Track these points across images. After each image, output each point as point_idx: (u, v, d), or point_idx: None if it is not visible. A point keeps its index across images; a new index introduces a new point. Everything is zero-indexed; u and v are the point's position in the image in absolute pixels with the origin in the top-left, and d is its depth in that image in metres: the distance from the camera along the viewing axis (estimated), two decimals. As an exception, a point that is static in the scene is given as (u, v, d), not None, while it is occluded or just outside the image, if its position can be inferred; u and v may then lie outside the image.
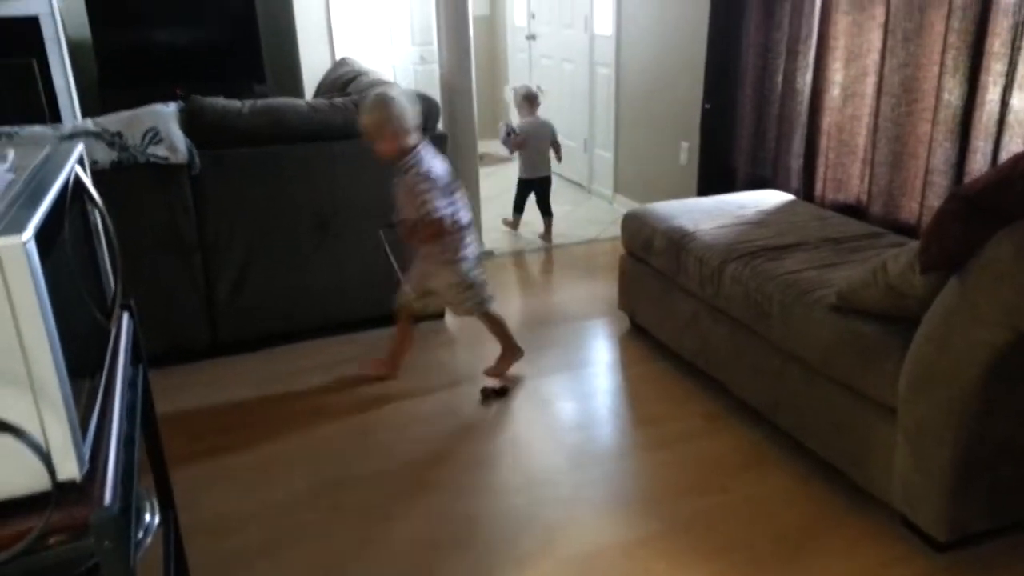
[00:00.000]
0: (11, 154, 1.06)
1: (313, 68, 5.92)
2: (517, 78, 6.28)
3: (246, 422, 2.62)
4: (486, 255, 4.14)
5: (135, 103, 5.46)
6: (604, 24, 4.93)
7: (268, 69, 6.02)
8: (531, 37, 5.91)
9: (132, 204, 2.77)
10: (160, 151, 2.73)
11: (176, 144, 2.75)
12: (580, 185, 5.44)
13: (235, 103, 2.90)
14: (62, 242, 0.99)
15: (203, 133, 2.84)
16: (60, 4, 5.52)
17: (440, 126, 3.25)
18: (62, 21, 5.45)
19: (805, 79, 3.26)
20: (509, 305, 3.55)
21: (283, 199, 2.97)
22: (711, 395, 2.72)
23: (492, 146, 6.66)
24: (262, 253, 2.99)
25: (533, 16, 5.85)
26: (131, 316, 1.39)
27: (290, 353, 3.11)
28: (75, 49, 5.62)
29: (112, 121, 2.72)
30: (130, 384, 1.31)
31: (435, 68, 6.44)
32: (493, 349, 3.11)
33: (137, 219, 2.79)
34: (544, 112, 6.03)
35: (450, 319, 3.41)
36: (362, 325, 3.28)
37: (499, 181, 5.67)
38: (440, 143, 3.15)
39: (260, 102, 2.93)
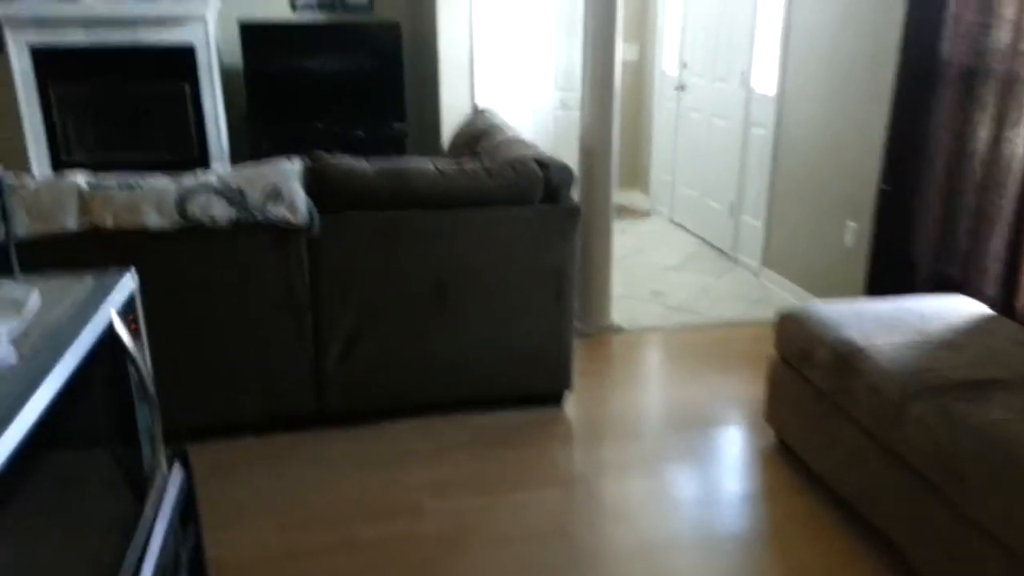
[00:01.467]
0: (32, 301, 0.83)
1: (453, 108, 5.80)
2: (662, 130, 5.92)
3: (340, 515, 2.39)
4: (614, 330, 3.80)
5: (280, 134, 5.50)
6: (763, 81, 4.50)
7: (409, 107, 5.95)
8: (680, 88, 5.54)
9: (247, 263, 2.62)
10: (279, 211, 2.58)
11: (296, 204, 2.59)
12: (723, 252, 5.00)
13: (361, 164, 2.72)
14: (77, 418, 0.75)
15: (325, 193, 2.67)
16: (216, 34, 5.66)
17: (574, 195, 2.95)
18: (217, 51, 5.58)
19: (1011, 169, 2.74)
20: (636, 394, 3.18)
21: (401, 266, 2.76)
22: (880, 555, 2.25)
23: (632, 198, 6.31)
24: (375, 320, 2.79)
25: (685, 65, 5.49)
26: (183, 467, 1.15)
27: (398, 431, 2.88)
28: (226, 78, 5.75)
29: (235, 176, 2.59)
30: (173, 558, 1.07)
31: (576, 115, 6.21)
32: (619, 448, 2.77)
33: (250, 278, 2.64)
34: (688, 168, 5.68)
35: (570, 406, 3.08)
36: (477, 405, 3.02)
37: (634, 239, 5.32)
38: (572, 216, 2.86)
39: (386, 164, 2.74)
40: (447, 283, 2.81)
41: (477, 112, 4.15)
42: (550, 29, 5.85)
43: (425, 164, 2.79)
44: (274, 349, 2.73)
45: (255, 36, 5.56)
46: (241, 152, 5.94)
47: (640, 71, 6.25)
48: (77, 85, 5.31)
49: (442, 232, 2.76)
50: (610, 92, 3.51)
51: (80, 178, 2.49)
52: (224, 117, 5.65)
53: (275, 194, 2.58)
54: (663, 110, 5.90)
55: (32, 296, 0.89)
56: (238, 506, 2.43)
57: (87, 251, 2.47)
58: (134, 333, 0.96)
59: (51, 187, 2.43)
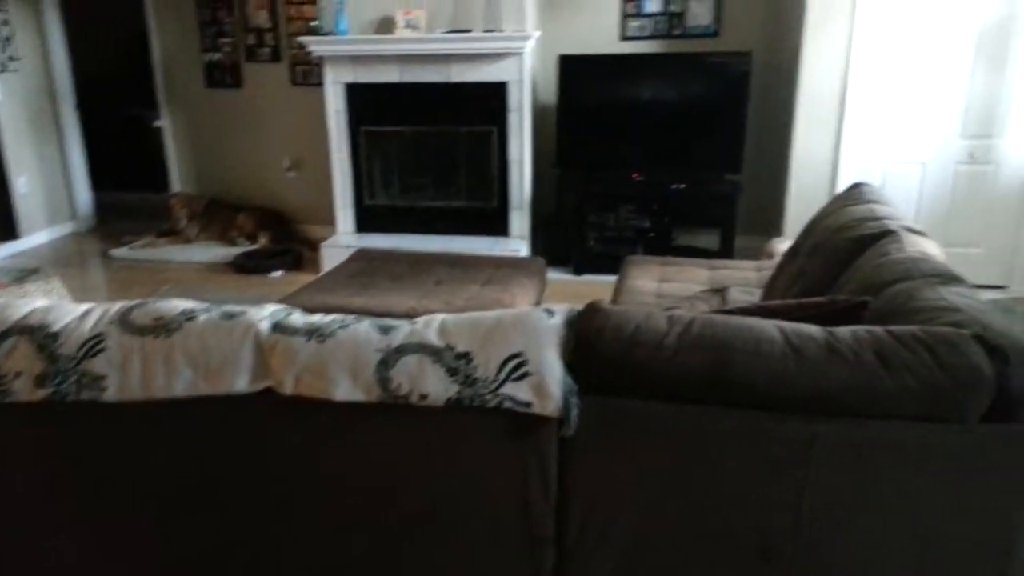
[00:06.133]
0: None
1: (807, 163, 4.48)
2: None
3: None
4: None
5: (590, 184, 4.63)
6: None
7: (747, 160, 4.75)
8: None
9: (465, 460, 1.73)
10: (521, 392, 1.64)
11: (548, 385, 1.64)
12: None
13: (659, 325, 1.68)
14: None
15: (594, 368, 1.68)
16: (534, 71, 4.99)
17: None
18: (531, 89, 4.90)
19: None
20: None
21: (703, 497, 1.67)
22: None
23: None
24: (653, 572, 1.74)
25: None
26: None
27: None
28: (536, 121, 5.05)
29: (463, 331, 1.71)
30: None
31: (988, 170, 4.50)
32: None
33: (468, 481, 1.75)
34: None
35: None
36: None
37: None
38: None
39: (698, 326, 1.66)
40: (777, 534, 1.65)
41: (851, 189, 2.86)
42: (964, 59, 4.24)
43: (767, 330, 1.66)
44: (497, 586, 1.81)
45: (574, 71, 4.78)
46: (546, 203, 5.22)
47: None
48: (386, 127, 4.97)
49: (781, 450, 1.61)
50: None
51: (261, 317, 1.79)
52: (530, 163, 4.96)
53: (518, 366, 1.65)
54: None
55: None
56: None
57: (257, 422, 1.77)
58: None
59: (222, 330, 1.76)
